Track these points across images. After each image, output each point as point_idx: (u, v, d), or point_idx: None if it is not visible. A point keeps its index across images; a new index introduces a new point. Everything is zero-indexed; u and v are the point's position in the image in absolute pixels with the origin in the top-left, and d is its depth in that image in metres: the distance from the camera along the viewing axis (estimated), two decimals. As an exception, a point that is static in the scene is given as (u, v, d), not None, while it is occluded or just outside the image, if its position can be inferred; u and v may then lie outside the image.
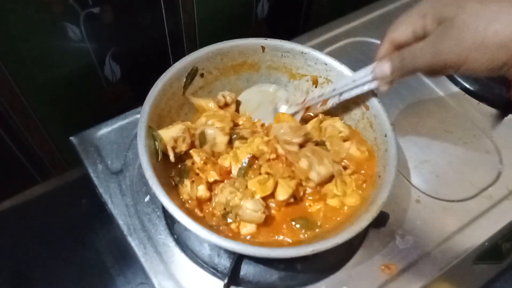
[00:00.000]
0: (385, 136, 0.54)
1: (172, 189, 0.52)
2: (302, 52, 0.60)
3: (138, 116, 0.66)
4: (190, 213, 0.50)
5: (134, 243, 0.57)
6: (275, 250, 0.46)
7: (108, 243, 0.76)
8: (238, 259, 0.54)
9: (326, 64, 0.59)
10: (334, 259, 0.57)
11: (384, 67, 0.50)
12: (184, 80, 0.57)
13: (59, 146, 0.73)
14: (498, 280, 0.76)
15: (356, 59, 0.77)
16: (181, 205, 0.50)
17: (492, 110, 0.74)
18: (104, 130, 0.66)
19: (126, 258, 0.74)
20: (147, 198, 0.61)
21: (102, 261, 0.74)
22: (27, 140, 0.68)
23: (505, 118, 0.73)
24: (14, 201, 0.76)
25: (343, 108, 0.60)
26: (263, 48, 0.60)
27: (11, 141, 0.66)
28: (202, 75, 0.59)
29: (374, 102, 0.56)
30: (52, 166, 0.76)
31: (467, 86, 0.75)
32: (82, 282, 0.71)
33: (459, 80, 0.76)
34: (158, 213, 0.60)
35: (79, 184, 0.78)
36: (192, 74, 0.58)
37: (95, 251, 0.75)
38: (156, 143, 0.52)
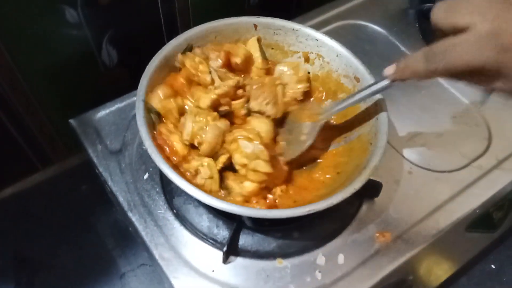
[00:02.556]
0: (376, 105, 0.56)
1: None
2: (293, 29, 0.62)
3: (135, 98, 0.68)
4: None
5: (134, 218, 0.58)
6: (272, 211, 0.48)
7: (109, 226, 0.77)
8: (237, 228, 0.56)
9: (317, 40, 0.61)
10: (330, 228, 0.59)
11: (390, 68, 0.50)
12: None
13: (59, 131, 0.74)
14: (492, 252, 0.78)
15: (347, 41, 0.78)
16: (181, 174, 0.51)
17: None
18: (103, 112, 0.68)
19: (127, 240, 0.75)
20: (146, 176, 0.62)
21: (103, 243, 0.75)
22: (27, 124, 0.69)
23: (493, 93, 0.75)
24: (16, 188, 0.77)
25: (334, 82, 0.62)
26: (255, 26, 0.62)
27: (12, 125, 0.68)
28: (196, 52, 0.61)
29: (364, 74, 0.58)
30: (52, 153, 0.78)
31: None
32: (84, 264, 0.73)
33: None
34: (157, 189, 0.61)
35: (79, 171, 0.80)
36: (187, 51, 0.59)
37: (96, 234, 0.76)
38: (152, 115, 0.54)
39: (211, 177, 0.53)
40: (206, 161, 0.53)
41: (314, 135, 0.56)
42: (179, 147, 0.53)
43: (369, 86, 0.53)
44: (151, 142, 0.50)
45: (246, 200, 0.52)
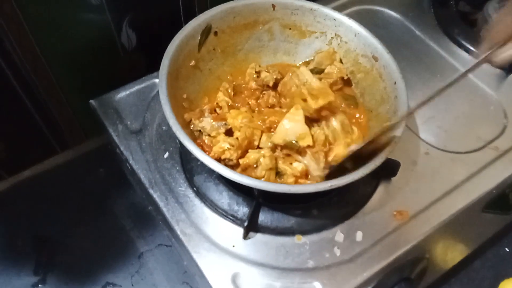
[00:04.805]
0: (395, 84, 0.56)
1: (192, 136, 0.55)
2: (311, 9, 0.62)
3: (155, 80, 0.70)
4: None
5: (156, 195, 0.59)
6: (295, 186, 0.48)
7: (126, 209, 0.78)
8: (257, 205, 0.57)
9: (335, 20, 0.62)
10: (348, 206, 0.59)
11: None
12: (199, 37, 0.60)
13: (77, 114, 0.76)
14: (506, 236, 0.78)
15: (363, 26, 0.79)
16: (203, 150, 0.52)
17: (496, 70, 0.76)
18: (123, 94, 0.69)
19: (144, 222, 0.76)
20: (166, 155, 0.63)
21: (121, 225, 0.76)
22: (48, 107, 0.71)
23: (509, 77, 0.75)
24: (35, 170, 0.78)
25: (352, 62, 0.63)
26: (273, 6, 0.62)
27: (33, 107, 0.69)
28: (216, 33, 0.62)
29: (383, 53, 0.58)
30: (70, 136, 0.79)
31: (472, 48, 0.78)
32: (102, 244, 0.74)
33: (463, 42, 0.78)
34: (177, 168, 0.62)
35: (97, 154, 0.81)
36: (206, 31, 0.60)
37: (114, 216, 0.77)
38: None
39: (271, 168, 0.54)
40: (266, 152, 0.53)
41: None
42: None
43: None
44: (175, 120, 0.51)
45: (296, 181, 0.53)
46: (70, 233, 0.74)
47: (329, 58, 0.63)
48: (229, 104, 0.59)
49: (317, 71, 0.63)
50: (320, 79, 0.60)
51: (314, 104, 0.55)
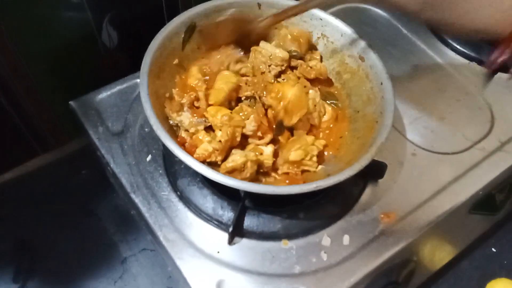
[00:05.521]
0: (381, 84, 0.55)
1: (175, 136, 0.54)
2: (297, 9, 0.61)
3: (137, 80, 0.68)
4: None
5: (138, 199, 0.58)
6: (280, 187, 0.47)
7: (110, 212, 0.77)
8: (242, 209, 0.56)
9: (322, 19, 0.61)
10: (334, 209, 0.58)
11: None
12: (183, 35, 0.58)
13: (59, 115, 0.74)
14: (493, 236, 0.79)
15: (350, 24, 0.78)
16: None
17: (482, 69, 0.75)
18: (104, 94, 0.67)
19: (127, 225, 0.75)
20: (148, 158, 0.62)
21: (104, 228, 0.75)
22: (28, 108, 0.69)
23: (495, 76, 0.75)
24: (16, 172, 0.76)
25: (339, 63, 0.62)
26: (259, 5, 0.61)
27: (12, 108, 0.67)
28: (200, 31, 0.60)
29: (369, 53, 0.57)
30: (52, 137, 0.77)
31: (458, 47, 0.77)
32: (85, 249, 0.72)
33: (450, 41, 0.78)
34: (160, 171, 0.60)
35: (79, 156, 0.79)
36: (190, 29, 0.59)
37: (97, 219, 0.76)
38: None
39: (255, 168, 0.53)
40: (250, 155, 0.53)
41: None
42: None
43: None
44: (157, 120, 0.49)
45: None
46: (52, 237, 0.72)
47: (306, 43, 0.63)
48: (204, 80, 0.58)
49: (297, 56, 0.62)
50: (298, 77, 0.59)
51: (289, 122, 0.56)
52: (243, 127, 0.55)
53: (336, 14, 0.79)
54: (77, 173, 0.79)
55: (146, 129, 0.64)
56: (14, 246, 0.71)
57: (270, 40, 0.63)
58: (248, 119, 0.55)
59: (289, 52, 0.60)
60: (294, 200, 0.57)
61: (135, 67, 0.61)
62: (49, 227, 0.73)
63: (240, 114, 0.55)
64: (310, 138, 0.55)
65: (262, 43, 0.60)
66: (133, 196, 0.58)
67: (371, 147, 0.50)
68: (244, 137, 0.56)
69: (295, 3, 0.62)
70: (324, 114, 0.59)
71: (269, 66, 0.59)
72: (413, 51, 0.78)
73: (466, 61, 0.76)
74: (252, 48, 0.60)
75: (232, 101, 0.58)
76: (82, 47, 0.68)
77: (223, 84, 0.57)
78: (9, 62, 0.62)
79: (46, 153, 0.78)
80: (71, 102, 0.66)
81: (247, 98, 0.58)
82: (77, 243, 0.72)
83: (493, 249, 0.77)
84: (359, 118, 0.58)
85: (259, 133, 0.55)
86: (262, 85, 0.58)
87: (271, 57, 0.58)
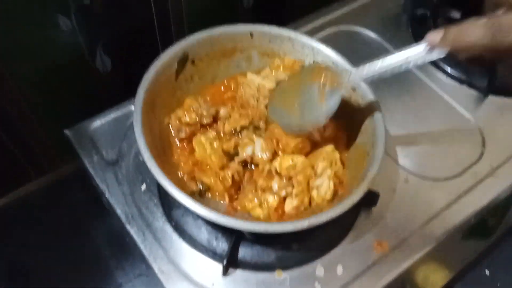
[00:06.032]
0: (373, 116, 0.56)
1: (170, 172, 0.54)
2: (289, 38, 0.62)
3: (131, 107, 0.68)
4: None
5: (132, 230, 0.58)
6: (272, 225, 0.48)
7: (105, 236, 0.76)
8: (236, 240, 0.56)
9: (313, 48, 0.61)
10: (328, 238, 0.59)
11: (435, 35, 0.47)
12: (176, 66, 0.59)
13: (52, 139, 0.74)
14: (485, 258, 0.79)
15: (341, 47, 0.79)
16: (179, 185, 0.51)
17: (473, 92, 0.76)
18: (98, 122, 0.67)
19: (123, 250, 0.75)
20: (143, 187, 0.62)
21: (99, 253, 0.75)
22: (21, 132, 0.69)
23: (486, 99, 0.75)
24: (10, 197, 0.76)
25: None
26: (251, 34, 0.61)
27: (4, 133, 0.67)
28: (193, 61, 0.60)
29: (360, 83, 0.58)
30: (45, 161, 0.77)
31: (449, 70, 0.78)
32: (80, 274, 0.72)
33: (441, 65, 0.79)
34: (155, 201, 0.61)
35: (73, 179, 0.79)
36: (183, 60, 0.59)
37: (92, 244, 0.76)
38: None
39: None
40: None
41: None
42: None
43: (403, 49, 0.49)
44: (150, 154, 0.50)
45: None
46: (47, 260, 0.72)
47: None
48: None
49: None
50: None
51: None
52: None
53: (328, 37, 0.81)
54: (71, 196, 0.78)
55: (141, 158, 0.64)
56: (7, 270, 0.71)
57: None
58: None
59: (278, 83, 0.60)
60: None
61: (129, 92, 0.62)
62: (44, 251, 0.73)
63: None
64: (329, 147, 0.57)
65: (249, 75, 0.61)
66: (128, 227, 0.58)
67: (363, 180, 0.51)
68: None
69: (288, 31, 0.62)
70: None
71: (257, 99, 0.59)
72: (405, 74, 0.77)
73: (457, 84, 0.77)
74: (241, 80, 0.61)
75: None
76: (75, 72, 0.68)
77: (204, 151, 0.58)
78: (1, 86, 0.62)
79: (39, 177, 0.78)
80: (66, 131, 0.66)
81: (242, 128, 0.59)
82: (72, 268, 0.72)
83: (486, 271, 0.78)
84: (352, 148, 0.59)
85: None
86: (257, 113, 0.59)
87: (258, 89, 0.59)
